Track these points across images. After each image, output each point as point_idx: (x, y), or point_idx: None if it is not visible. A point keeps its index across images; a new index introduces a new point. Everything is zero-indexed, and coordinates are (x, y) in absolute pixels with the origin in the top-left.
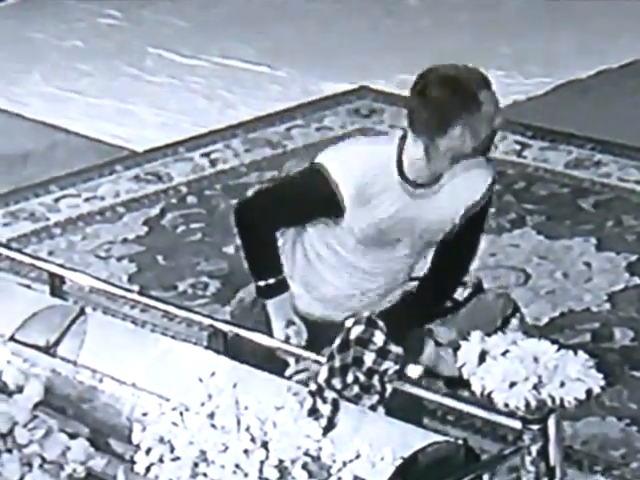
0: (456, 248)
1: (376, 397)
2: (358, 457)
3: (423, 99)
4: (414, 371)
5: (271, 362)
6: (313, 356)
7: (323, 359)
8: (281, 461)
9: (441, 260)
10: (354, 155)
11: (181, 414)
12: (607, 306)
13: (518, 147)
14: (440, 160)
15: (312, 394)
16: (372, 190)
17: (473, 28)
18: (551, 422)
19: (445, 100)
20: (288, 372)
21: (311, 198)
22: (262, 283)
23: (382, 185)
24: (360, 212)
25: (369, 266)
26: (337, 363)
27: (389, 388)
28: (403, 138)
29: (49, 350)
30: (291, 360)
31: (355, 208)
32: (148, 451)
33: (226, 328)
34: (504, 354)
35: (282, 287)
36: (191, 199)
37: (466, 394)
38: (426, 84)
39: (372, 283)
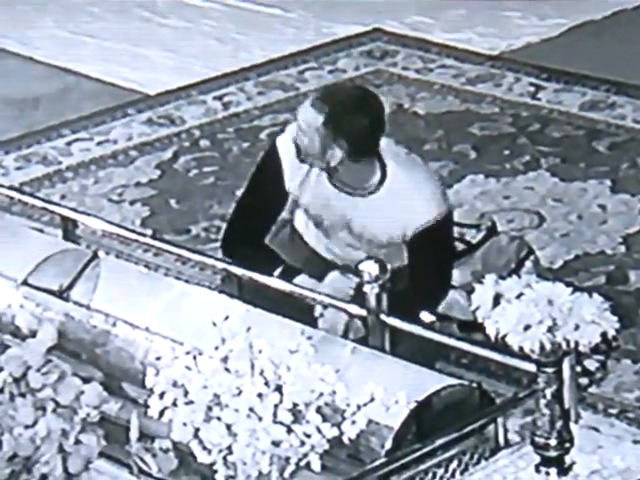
0: (425, 262)
1: None
2: (372, 401)
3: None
4: (427, 317)
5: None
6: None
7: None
8: (295, 405)
9: (415, 270)
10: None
11: (195, 358)
12: (622, 249)
13: (532, 89)
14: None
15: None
16: (302, 172)
17: None
18: (566, 365)
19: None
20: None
21: (270, 189)
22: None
23: (297, 165)
24: (299, 193)
25: (326, 248)
26: None
27: None
28: None
29: (62, 294)
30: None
31: (293, 188)
32: (162, 395)
33: (239, 271)
34: (518, 297)
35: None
36: (204, 142)
37: (480, 337)
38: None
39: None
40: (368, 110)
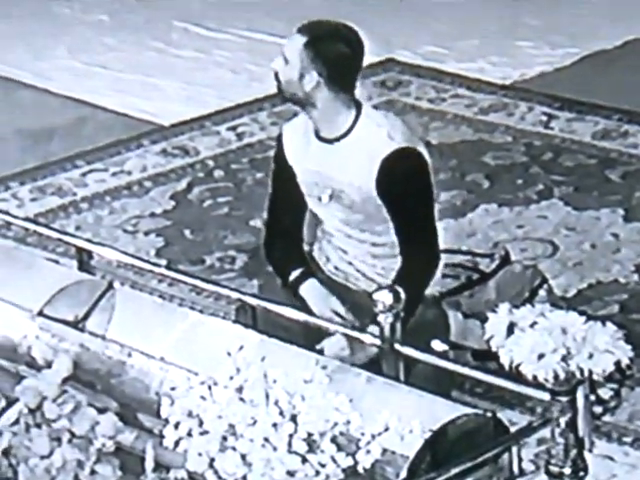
0: (406, 218)
1: None
2: (387, 430)
3: None
4: (439, 346)
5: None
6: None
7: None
8: (310, 434)
9: (402, 234)
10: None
11: (209, 388)
12: (635, 277)
13: (545, 118)
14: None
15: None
16: (297, 144)
17: (501, 0)
18: (580, 393)
19: None
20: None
21: (284, 180)
22: (292, 276)
23: (299, 138)
24: (295, 167)
25: (325, 257)
26: None
27: None
28: None
29: (78, 325)
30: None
31: (294, 163)
32: (177, 425)
33: (254, 302)
34: (532, 326)
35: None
36: (218, 173)
37: (494, 366)
38: None
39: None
40: (350, 41)
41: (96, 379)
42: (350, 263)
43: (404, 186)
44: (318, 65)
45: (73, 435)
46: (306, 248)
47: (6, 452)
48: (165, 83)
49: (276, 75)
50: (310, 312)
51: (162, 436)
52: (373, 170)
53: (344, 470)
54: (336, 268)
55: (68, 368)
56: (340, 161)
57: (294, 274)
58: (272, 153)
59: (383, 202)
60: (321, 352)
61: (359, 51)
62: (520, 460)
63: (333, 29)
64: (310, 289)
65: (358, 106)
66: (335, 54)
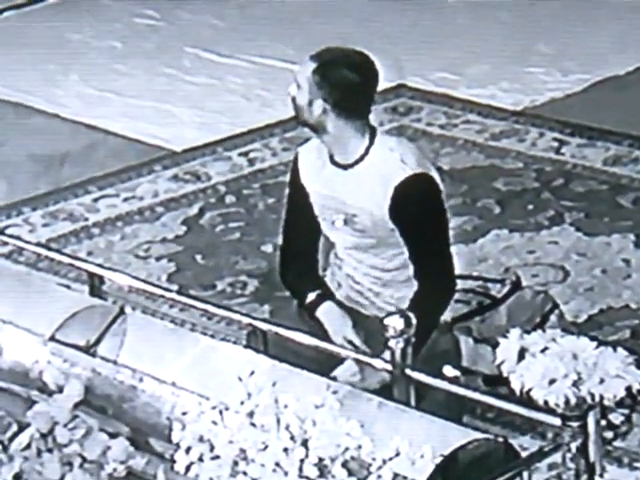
0: (420, 244)
1: None
2: (398, 455)
3: None
4: (450, 372)
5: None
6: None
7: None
8: (321, 459)
9: (416, 261)
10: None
11: (221, 413)
12: None
13: (556, 144)
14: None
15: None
16: (312, 168)
17: (511, 26)
18: (590, 419)
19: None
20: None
21: (298, 202)
22: (308, 299)
23: (313, 161)
24: (309, 190)
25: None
26: None
27: None
28: None
29: (89, 350)
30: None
31: (308, 185)
32: (188, 450)
33: (265, 327)
34: (543, 351)
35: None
36: (229, 198)
37: (505, 391)
38: None
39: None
40: (360, 68)
41: (107, 404)
42: (360, 292)
43: (418, 212)
44: (324, 92)
45: (84, 460)
46: (320, 273)
47: (18, 477)
48: (177, 109)
49: (293, 100)
50: (326, 334)
51: (173, 461)
52: (387, 196)
53: None
54: (347, 297)
55: (79, 393)
56: (353, 187)
57: (310, 297)
58: (284, 179)
59: (397, 228)
60: (335, 379)
61: (370, 78)
62: None
63: (342, 56)
64: (327, 312)
65: (372, 132)
66: (341, 81)
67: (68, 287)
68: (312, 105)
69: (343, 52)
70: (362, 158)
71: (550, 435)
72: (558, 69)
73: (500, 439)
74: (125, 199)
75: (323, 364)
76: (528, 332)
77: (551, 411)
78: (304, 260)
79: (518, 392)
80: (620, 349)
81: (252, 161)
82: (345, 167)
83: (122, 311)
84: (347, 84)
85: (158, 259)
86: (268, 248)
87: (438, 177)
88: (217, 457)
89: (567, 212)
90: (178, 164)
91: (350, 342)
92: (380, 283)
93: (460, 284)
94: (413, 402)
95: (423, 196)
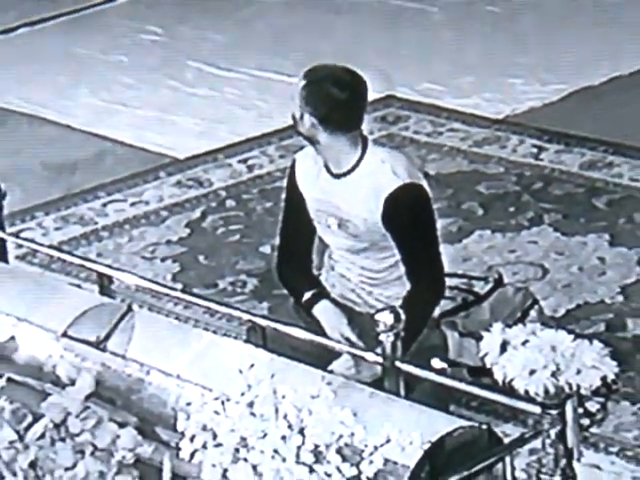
0: (412, 249)
1: None
2: (388, 442)
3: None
4: (438, 364)
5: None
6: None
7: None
8: (316, 446)
9: (408, 265)
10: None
11: (223, 403)
12: (620, 298)
13: (535, 150)
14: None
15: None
16: (308, 174)
17: (494, 40)
18: (568, 407)
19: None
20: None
21: (294, 205)
22: (305, 297)
23: (309, 168)
24: (305, 195)
25: (332, 251)
26: None
27: None
28: None
29: (99, 345)
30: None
31: (305, 191)
32: (192, 438)
33: (264, 323)
34: (524, 344)
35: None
36: (230, 203)
37: (489, 381)
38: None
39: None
40: (347, 85)
41: (116, 396)
42: (353, 290)
43: (409, 219)
44: (311, 107)
45: (95, 448)
46: (315, 273)
47: (33, 464)
48: (180, 119)
49: (293, 114)
50: (323, 330)
51: (178, 448)
52: (379, 205)
53: (349, 479)
54: (341, 295)
55: (90, 385)
56: (347, 195)
57: (307, 295)
58: (281, 184)
59: (389, 234)
60: (331, 372)
61: (357, 94)
62: (513, 469)
63: (329, 74)
64: (323, 310)
65: (364, 143)
66: (327, 98)
67: (79, 287)
68: (302, 119)
69: (331, 70)
70: (354, 169)
71: (531, 422)
72: (537, 80)
73: (484, 426)
74: (132, 204)
75: (318, 357)
76: (510, 326)
77: (531, 400)
78: (300, 260)
79: (501, 382)
80: (596, 341)
81: (251, 168)
82: (338, 176)
83: (130, 309)
84: (332, 100)
85: (163, 260)
86: (266, 249)
87: (427, 185)
88: (219, 445)
89: (546, 214)
90: (181, 171)
91: (347, 338)
92: (372, 282)
93: (446, 282)
94: (403, 392)
95: (413, 204)
